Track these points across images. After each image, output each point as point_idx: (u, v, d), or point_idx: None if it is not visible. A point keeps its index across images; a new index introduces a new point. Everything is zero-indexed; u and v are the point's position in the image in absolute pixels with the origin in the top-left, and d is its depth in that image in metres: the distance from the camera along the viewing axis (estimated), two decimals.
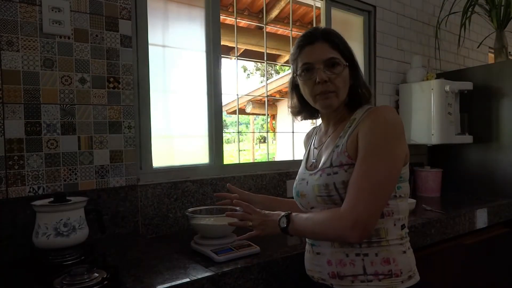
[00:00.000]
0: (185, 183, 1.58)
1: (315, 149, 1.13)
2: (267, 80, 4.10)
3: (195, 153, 1.74)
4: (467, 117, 2.37)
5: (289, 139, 2.16)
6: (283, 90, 5.98)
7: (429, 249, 1.62)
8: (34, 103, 1.24)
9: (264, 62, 2.28)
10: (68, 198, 1.13)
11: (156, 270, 1.01)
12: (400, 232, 0.98)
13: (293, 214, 1.01)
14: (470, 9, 2.53)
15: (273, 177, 1.86)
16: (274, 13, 3.19)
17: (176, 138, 1.70)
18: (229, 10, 2.55)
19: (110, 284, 0.89)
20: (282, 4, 3.07)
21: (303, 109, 1.14)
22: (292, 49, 1.08)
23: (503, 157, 2.21)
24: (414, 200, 1.84)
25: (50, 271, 0.95)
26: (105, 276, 0.91)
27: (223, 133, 1.79)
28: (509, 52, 2.65)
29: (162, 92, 1.64)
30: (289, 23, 2.34)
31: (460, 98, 2.35)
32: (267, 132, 2.54)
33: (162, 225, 1.51)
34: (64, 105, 1.30)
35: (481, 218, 1.87)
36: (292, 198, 1.17)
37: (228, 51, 3.22)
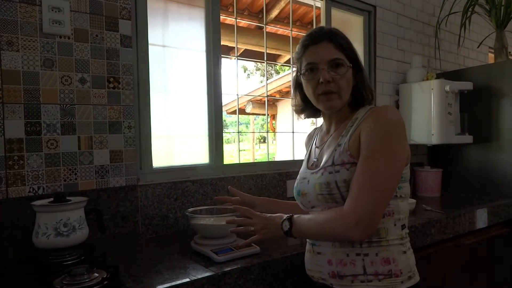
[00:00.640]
0: (185, 183, 1.58)
1: (316, 148, 1.13)
2: (267, 80, 4.10)
3: (195, 153, 1.74)
4: (467, 117, 2.37)
5: (289, 139, 2.16)
6: (283, 90, 5.98)
7: (429, 249, 1.62)
8: (34, 103, 1.24)
9: (264, 62, 2.28)
10: (68, 198, 1.13)
11: (156, 270, 1.01)
12: (401, 232, 0.98)
13: (295, 216, 1.00)
14: (470, 9, 2.53)
15: (273, 177, 1.86)
16: (274, 13, 3.19)
17: (176, 138, 1.70)
18: (229, 10, 2.55)
19: (110, 284, 0.89)
20: (282, 4, 3.07)
21: (306, 108, 1.15)
22: (296, 47, 1.08)
23: (503, 157, 2.21)
24: (414, 200, 1.84)
25: (50, 271, 0.95)
26: (105, 276, 0.91)
27: (223, 133, 1.79)
28: (509, 52, 2.64)
29: (162, 92, 1.64)
30: (289, 23, 2.34)
31: (460, 98, 2.35)
32: (267, 132, 2.54)
33: (162, 225, 1.51)
34: (64, 105, 1.30)
35: (481, 218, 1.87)
36: (293, 199, 1.17)
37: (228, 51, 3.22)
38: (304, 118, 1.20)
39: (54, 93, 1.28)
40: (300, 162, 1.24)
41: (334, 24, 2.23)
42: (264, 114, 6.98)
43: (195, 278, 0.96)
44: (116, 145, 1.41)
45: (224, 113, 1.84)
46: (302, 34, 1.98)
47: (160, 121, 1.61)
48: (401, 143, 0.94)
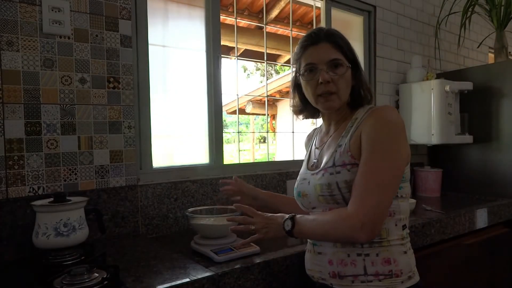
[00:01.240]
0: (185, 183, 1.58)
1: (316, 149, 1.13)
2: (267, 80, 4.09)
3: (195, 153, 1.74)
4: (467, 117, 2.37)
5: (289, 139, 2.16)
6: (283, 90, 5.97)
7: (429, 249, 1.62)
8: (34, 103, 1.24)
9: (264, 62, 2.28)
10: (68, 198, 1.13)
11: (156, 270, 1.01)
12: (401, 232, 0.98)
13: (298, 216, 1.00)
14: (470, 9, 2.53)
15: (273, 177, 1.86)
16: (274, 13, 3.18)
17: (176, 138, 1.70)
18: (229, 10, 2.55)
19: (110, 284, 0.89)
20: (282, 4, 3.07)
21: (304, 108, 1.14)
22: (295, 48, 1.08)
23: (503, 157, 2.21)
24: (414, 200, 1.84)
25: (50, 271, 0.95)
26: (105, 276, 0.91)
27: (223, 133, 1.79)
28: (509, 52, 2.64)
29: (162, 92, 1.64)
30: (289, 23, 2.34)
31: (460, 98, 2.35)
32: (267, 132, 2.54)
33: (162, 225, 1.51)
34: (64, 105, 1.30)
35: (481, 218, 1.87)
36: None
37: (228, 51, 3.21)
38: (303, 119, 1.20)
39: (54, 93, 1.28)
40: (300, 162, 1.24)
41: (334, 24, 2.23)
42: (264, 114, 6.98)
43: (195, 278, 0.96)
44: (116, 145, 1.41)
45: (224, 113, 1.84)
46: (302, 34, 1.98)
47: (160, 121, 1.61)
48: (402, 143, 0.94)
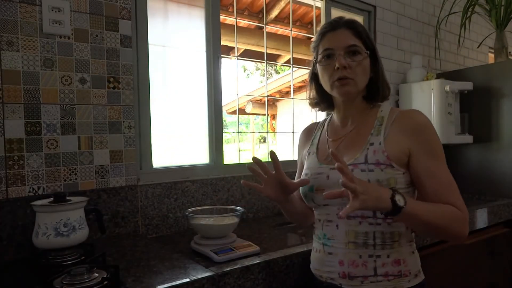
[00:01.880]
0: (185, 183, 1.58)
1: (332, 141, 1.07)
2: (267, 80, 4.09)
3: (195, 153, 1.74)
4: (467, 117, 2.37)
5: (289, 139, 2.16)
6: (283, 90, 5.97)
7: (429, 249, 1.62)
8: (34, 103, 1.24)
9: (264, 62, 2.28)
10: (68, 198, 1.13)
11: (156, 270, 1.01)
12: (410, 234, 0.99)
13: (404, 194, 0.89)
14: (470, 9, 2.53)
15: None
16: (274, 13, 3.18)
17: (176, 138, 1.70)
18: (229, 10, 2.55)
19: (110, 284, 0.89)
20: (282, 4, 3.07)
21: (321, 101, 1.12)
22: (314, 37, 1.07)
23: (503, 157, 2.21)
24: None
25: (50, 271, 0.95)
26: (105, 276, 0.91)
27: (223, 133, 1.79)
28: (509, 52, 2.64)
29: (162, 92, 1.64)
30: (289, 23, 2.34)
31: (460, 98, 2.35)
32: (267, 132, 2.54)
33: (162, 225, 1.51)
34: (64, 105, 1.30)
35: (481, 218, 1.87)
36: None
37: (228, 51, 3.21)
38: (318, 111, 1.18)
39: (54, 93, 1.28)
40: None
41: None
42: (264, 114, 6.98)
43: (195, 278, 0.96)
44: (116, 145, 1.41)
45: (224, 113, 1.84)
46: (302, 34, 1.98)
47: (160, 121, 1.61)
48: None
